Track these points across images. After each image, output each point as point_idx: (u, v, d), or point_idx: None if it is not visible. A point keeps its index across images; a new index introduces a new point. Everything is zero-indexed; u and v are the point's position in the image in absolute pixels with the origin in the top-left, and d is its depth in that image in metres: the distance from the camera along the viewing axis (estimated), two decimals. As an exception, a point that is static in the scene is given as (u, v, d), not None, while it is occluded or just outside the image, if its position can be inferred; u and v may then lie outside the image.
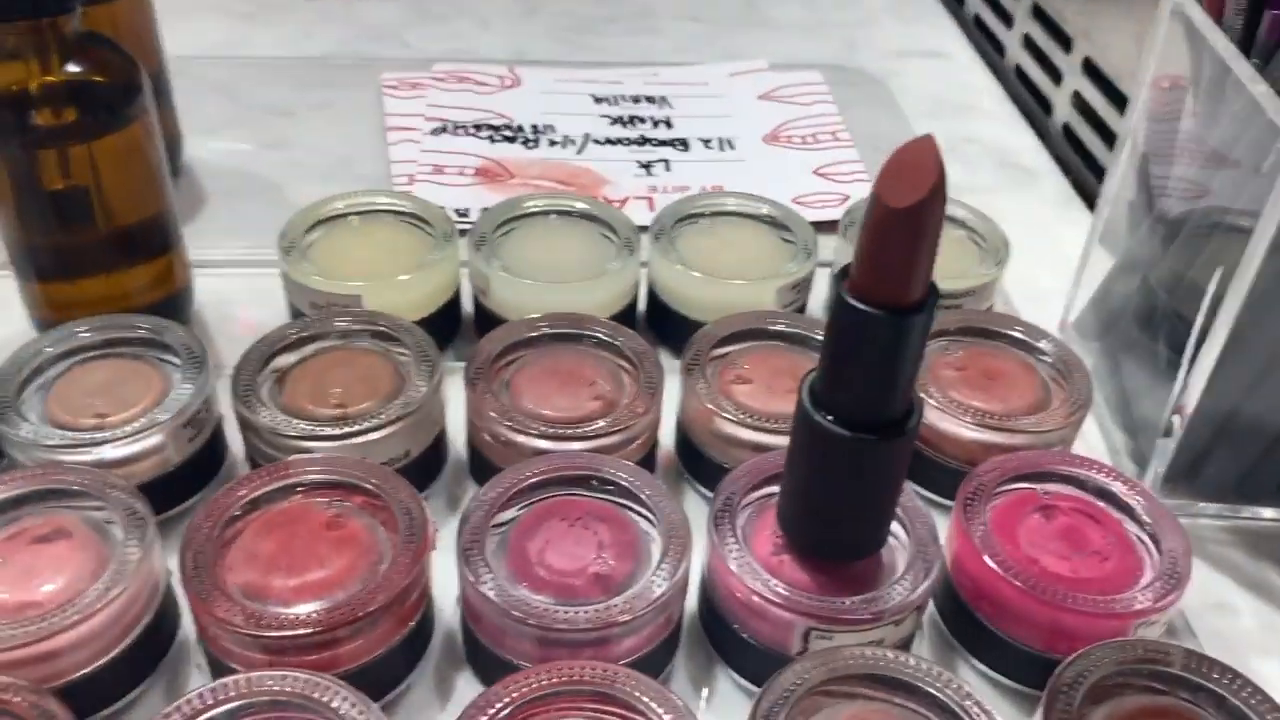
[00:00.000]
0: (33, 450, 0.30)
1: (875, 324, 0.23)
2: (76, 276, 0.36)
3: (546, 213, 0.40)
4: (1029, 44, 0.58)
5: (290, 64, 0.55)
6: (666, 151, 0.50)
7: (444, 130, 0.50)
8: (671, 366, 0.34)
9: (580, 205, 0.40)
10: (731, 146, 0.51)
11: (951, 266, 0.39)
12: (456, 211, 0.45)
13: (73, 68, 0.33)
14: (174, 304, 0.38)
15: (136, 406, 0.31)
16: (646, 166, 0.49)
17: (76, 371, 0.32)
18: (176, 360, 0.33)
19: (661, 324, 0.39)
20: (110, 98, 0.34)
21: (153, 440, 0.31)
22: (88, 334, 0.33)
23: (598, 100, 0.53)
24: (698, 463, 0.34)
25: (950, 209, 0.41)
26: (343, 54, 0.57)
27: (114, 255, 0.36)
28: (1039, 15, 0.57)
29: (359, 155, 0.49)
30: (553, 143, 0.50)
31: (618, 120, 0.52)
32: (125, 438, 0.30)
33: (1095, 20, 0.52)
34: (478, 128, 0.50)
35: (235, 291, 0.40)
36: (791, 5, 0.65)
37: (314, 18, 0.60)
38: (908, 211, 0.22)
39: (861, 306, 0.23)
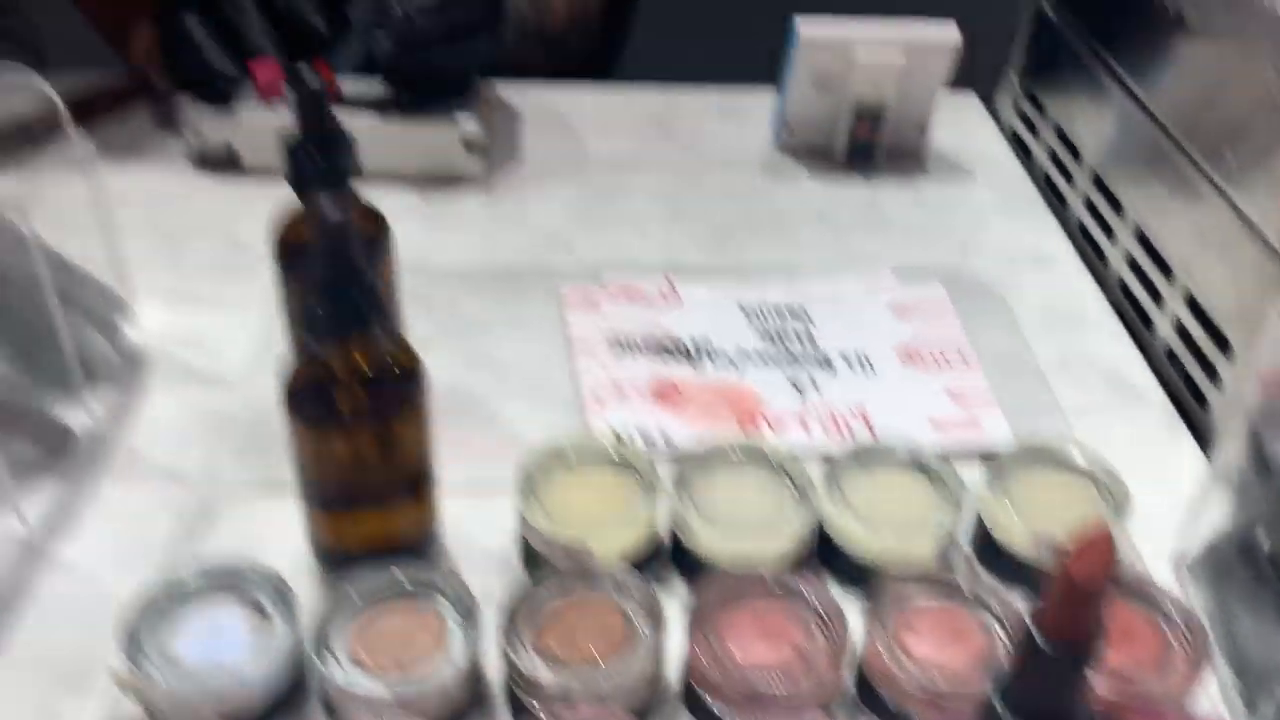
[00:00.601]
0: (344, 691, 0.37)
1: (1060, 663, 0.30)
2: (355, 509, 0.44)
3: (731, 455, 0.47)
4: (1132, 264, 0.65)
5: (478, 274, 0.64)
6: (814, 370, 0.57)
7: (621, 349, 0.58)
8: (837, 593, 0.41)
9: (759, 448, 0.47)
10: (870, 364, 0.58)
11: (1074, 515, 0.45)
12: (642, 435, 0.52)
13: (373, 366, 0.41)
14: (430, 534, 0.45)
15: (425, 650, 0.39)
16: (798, 386, 0.56)
17: (371, 615, 0.40)
18: (448, 603, 0.40)
19: (830, 558, 0.46)
20: (402, 388, 0.41)
21: (439, 681, 0.38)
22: (377, 581, 0.41)
23: (747, 314, 0.61)
24: (872, 699, 0.40)
25: (1073, 456, 0.48)
26: (521, 262, 0.65)
27: (388, 492, 0.43)
28: (1141, 239, 0.64)
29: (551, 373, 0.56)
30: (715, 361, 0.57)
31: (767, 336, 0.59)
32: (419, 681, 0.38)
33: (1196, 257, 0.58)
34: (649, 346, 0.58)
35: (466, 517, 0.48)
36: (907, 204, 0.72)
37: (490, 223, 0.69)
38: (1090, 589, 0.29)
39: (1051, 650, 0.30)
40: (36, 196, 0.46)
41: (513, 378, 0.56)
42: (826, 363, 0.58)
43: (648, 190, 0.73)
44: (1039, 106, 0.78)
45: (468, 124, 0.70)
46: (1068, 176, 0.73)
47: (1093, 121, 0.70)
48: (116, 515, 0.48)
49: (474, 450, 0.51)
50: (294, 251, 0.49)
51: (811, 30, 0.71)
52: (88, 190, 0.51)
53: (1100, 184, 0.69)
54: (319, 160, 0.46)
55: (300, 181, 0.46)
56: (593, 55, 0.95)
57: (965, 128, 0.81)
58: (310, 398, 0.41)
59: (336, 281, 0.38)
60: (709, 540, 0.44)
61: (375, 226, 0.50)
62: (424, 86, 0.70)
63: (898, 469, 0.48)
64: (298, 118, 0.45)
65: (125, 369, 0.55)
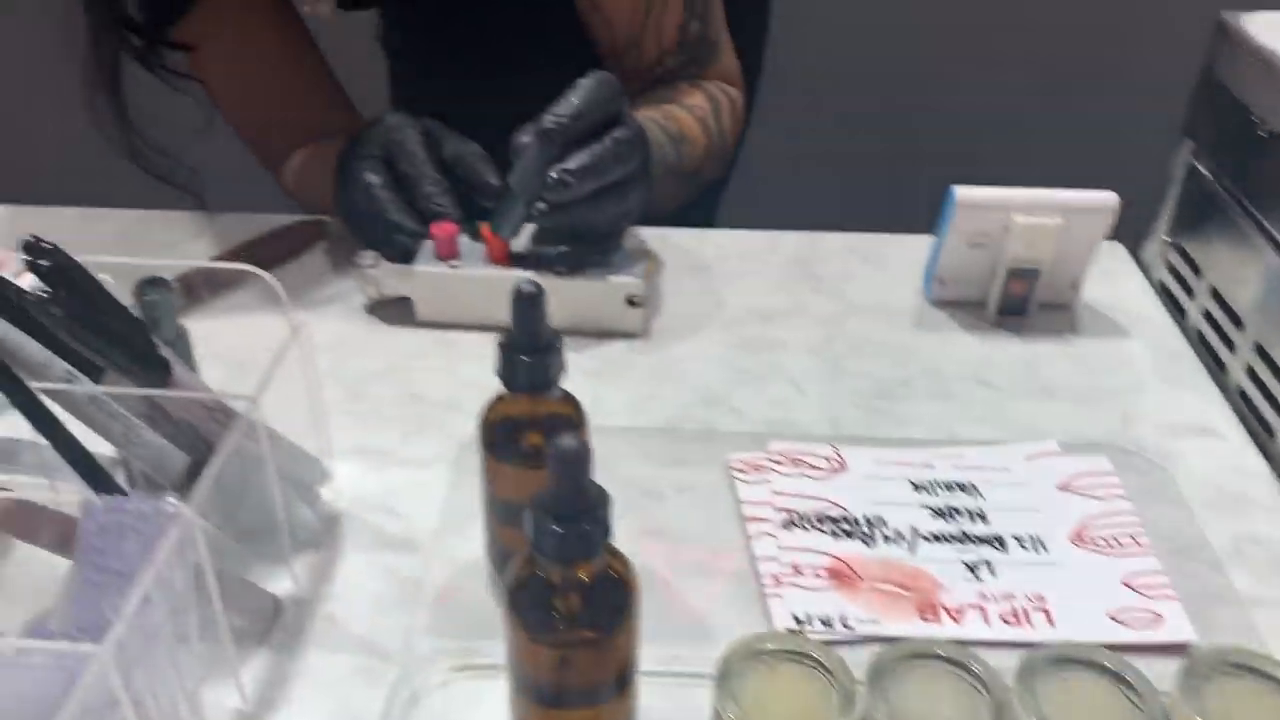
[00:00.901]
0: None
1: None
2: (564, 706, 0.45)
3: (924, 657, 0.48)
4: (1303, 441, 0.64)
5: (642, 432, 0.65)
6: (987, 551, 0.58)
7: (793, 523, 0.59)
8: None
9: (950, 653, 0.48)
10: (1044, 547, 0.58)
11: (1284, 739, 0.45)
12: (822, 621, 0.53)
13: (593, 577, 0.43)
14: (629, 729, 0.47)
15: None
16: (973, 569, 0.57)
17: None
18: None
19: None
20: (618, 597, 0.43)
21: None
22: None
23: (916, 488, 0.62)
24: None
25: (1274, 670, 0.47)
26: (684, 420, 0.67)
27: (598, 692, 0.45)
28: (1313, 417, 0.63)
29: (726, 548, 0.58)
30: (887, 539, 0.58)
31: (938, 513, 0.60)
32: None
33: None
34: (820, 520, 0.59)
35: (655, 701, 0.49)
36: (1065, 367, 0.73)
37: (649, 377, 0.71)
38: None
39: None
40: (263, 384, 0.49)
41: (687, 554, 0.58)
42: (999, 543, 0.58)
43: (801, 342, 0.74)
44: (1190, 262, 0.78)
45: (631, 280, 0.72)
46: (1227, 342, 0.73)
47: (1251, 285, 0.71)
48: (322, 685, 0.50)
49: (657, 631, 0.52)
50: (500, 436, 0.51)
51: (969, 194, 0.72)
52: (300, 366, 0.54)
53: (1264, 354, 0.69)
54: (533, 366, 0.48)
55: (513, 383, 0.49)
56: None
57: (1114, 280, 0.82)
58: (529, 603, 0.43)
59: (571, 512, 0.40)
60: (907, 749, 0.45)
61: (576, 414, 0.52)
62: (578, 244, 0.73)
63: (1087, 672, 0.48)
64: (514, 321, 0.48)
65: (324, 533, 0.58)
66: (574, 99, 0.68)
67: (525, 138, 0.68)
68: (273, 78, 0.90)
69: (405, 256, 0.73)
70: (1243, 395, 0.71)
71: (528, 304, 0.48)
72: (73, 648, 0.37)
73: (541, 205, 0.69)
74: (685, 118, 0.85)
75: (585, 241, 0.73)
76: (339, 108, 0.94)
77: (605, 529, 0.41)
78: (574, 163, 0.67)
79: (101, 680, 0.36)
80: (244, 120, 0.92)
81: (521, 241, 0.73)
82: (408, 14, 1.03)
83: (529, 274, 0.72)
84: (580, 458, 0.39)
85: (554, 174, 0.67)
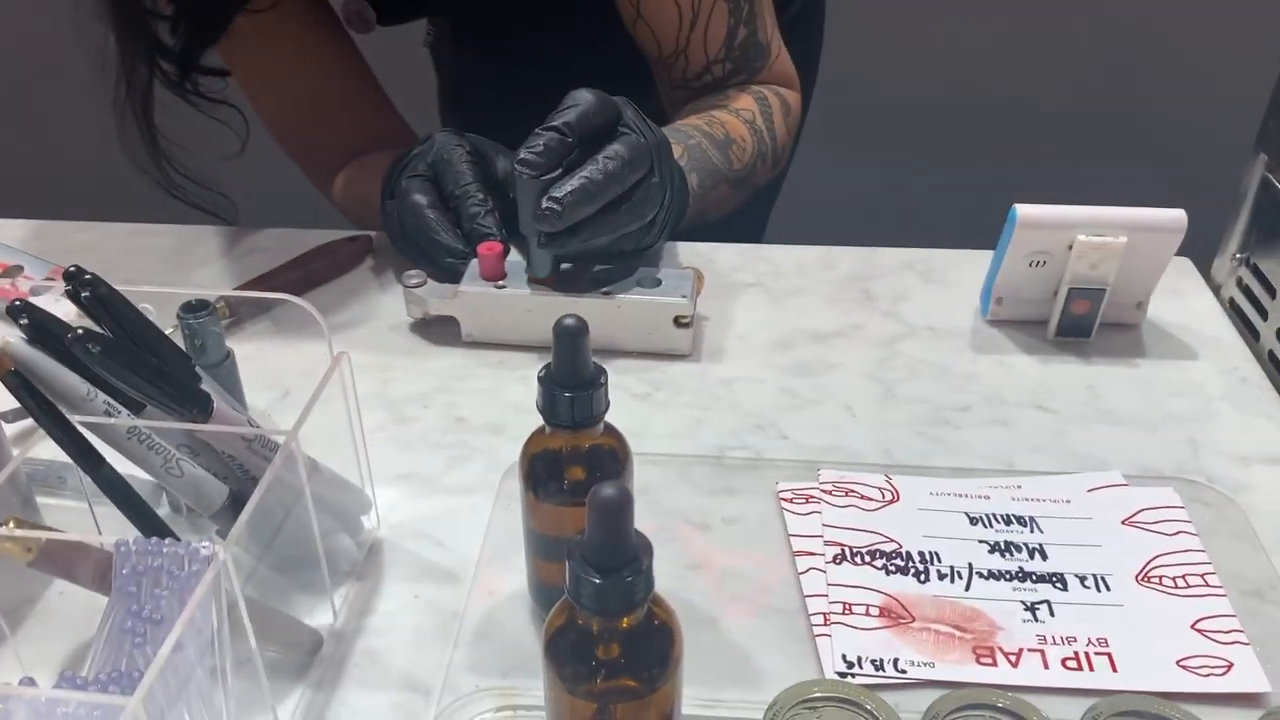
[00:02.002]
0: None
1: None
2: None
3: (981, 707, 0.46)
4: (1385, 475, 0.61)
5: (693, 463, 0.64)
6: (1047, 590, 0.55)
7: (843, 558, 0.57)
8: None
9: (1010, 704, 0.46)
10: (1107, 586, 0.56)
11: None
12: (873, 664, 0.51)
13: (633, 625, 0.41)
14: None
15: None
16: (1032, 610, 0.54)
17: None
18: None
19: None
20: (659, 646, 0.42)
21: None
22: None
23: (972, 521, 0.60)
24: None
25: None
26: (733, 445, 0.65)
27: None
28: (1396, 451, 0.60)
29: (774, 583, 0.56)
30: (941, 575, 0.56)
31: (995, 548, 0.58)
32: None
33: None
34: (872, 555, 0.57)
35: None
36: (1129, 392, 0.70)
37: (701, 400, 0.69)
38: None
39: None
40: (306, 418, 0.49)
41: (734, 586, 0.56)
42: (1059, 581, 0.56)
43: (855, 365, 0.72)
44: (1264, 280, 0.75)
45: (679, 301, 0.71)
46: (1303, 366, 0.70)
47: (1330, 307, 0.67)
48: (361, 724, 0.50)
49: (702, 670, 0.51)
50: (540, 471, 0.50)
51: (1031, 212, 0.70)
52: (343, 399, 0.53)
53: (1343, 380, 0.65)
54: (575, 402, 0.47)
55: (555, 420, 0.48)
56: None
57: (1183, 298, 0.79)
58: (568, 652, 0.41)
59: (612, 564, 0.38)
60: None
61: (619, 447, 0.50)
62: (611, 262, 0.72)
63: (1153, 726, 0.46)
64: (556, 356, 0.47)
65: (364, 563, 0.57)
66: (555, 121, 0.67)
67: (520, 170, 0.67)
68: (317, 94, 0.89)
69: (452, 276, 0.73)
70: (1319, 423, 0.68)
71: (570, 339, 0.46)
72: (105, 699, 0.36)
73: (540, 238, 0.68)
74: (731, 120, 0.83)
75: (616, 259, 0.71)
76: (386, 121, 0.94)
77: (648, 581, 0.40)
78: (563, 189, 0.65)
79: (133, 731, 0.36)
80: (290, 137, 0.92)
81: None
82: (457, 25, 1.02)
83: (572, 298, 0.71)
84: (622, 506, 0.38)
85: (543, 204, 0.65)
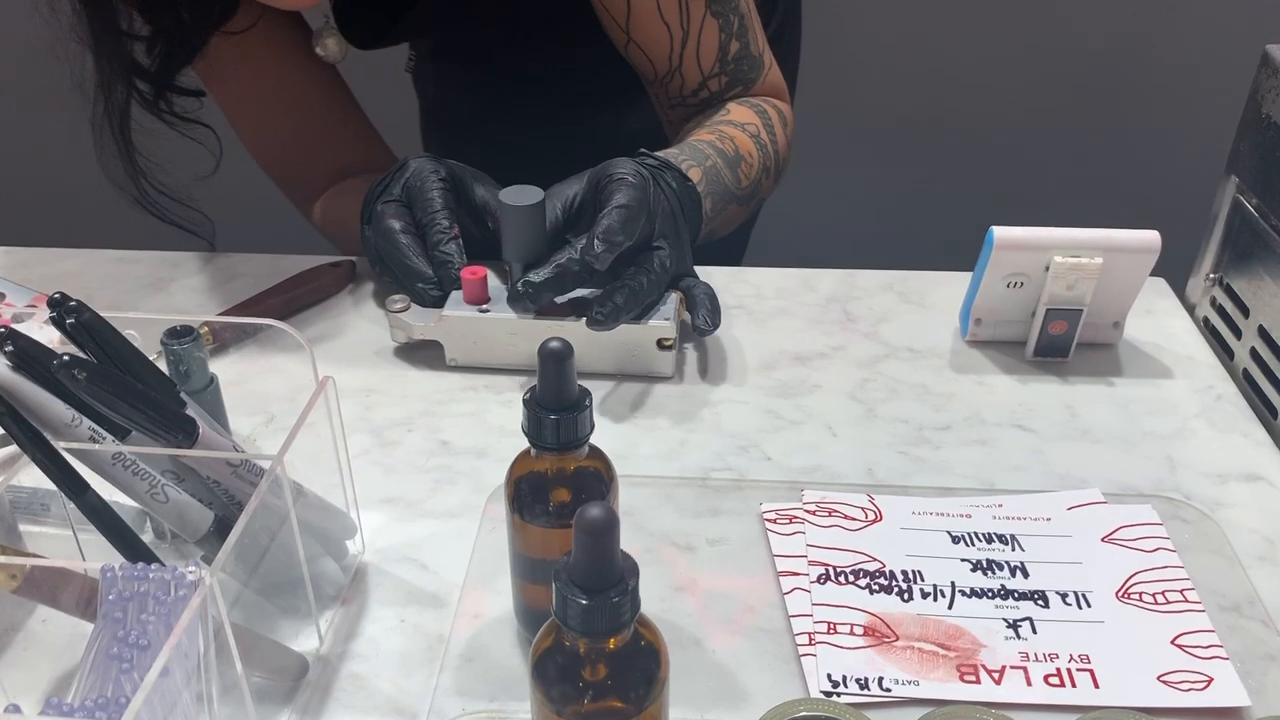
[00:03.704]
0: None
1: None
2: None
3: (962, 725, 0.46)
4: (1358, 491, 0.62)
5: (677, 485, 0.64)
6: (1029, 608, 0.56)
7: (827, 578, 0.57)
8: None
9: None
10: (1088, 603, 0.56)
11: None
12: (858, 683, 0.52)
13: (619, 645, 0.41)
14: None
15: None
16: (1014, 627, 0.55)
17: None
18: None
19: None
20: (644, 667, 0.42)
21: None
22: None
23: (954, 540, 0.60)
24: None
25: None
26: (717, 467, 0.66)
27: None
28: (1369, 467, 0.61)
29: (759, 603, 0.56)
30: (924, 594, 0.57)
31: (977, 566, 0.58)
32: None
33: None
34: (855, 574, 0.58)
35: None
36: (1107, 410, 0.71)
37: (684, 422, 0.70)
38: None
39: None
40: (292, 446, 0.49)
41: (718, 605, 0.56)
42: (1041, 598, 0.56)
43: (836, 384, 0.73)
44: (1237, 300, 0.76)
45: (662, 324, 0.71)
46: (1277, 383, 0.70)
47: (1302, 325, 0.68)
48: (347, 749, 0.50)
49: (689, 691, 0.51)
50: (526, 493, 0.50)
51: (1008, 234, 0.71)
52: (328, 423, 0.53)
53: (1316, 397, 0.66)
54: (561, 425, 0.47)
55: (540, 442, 0.48)
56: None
57: (1158, 318, 0.80)
58: (554, 673, 0.42)
59: (598, 585, 0.39)
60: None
61: (605, 469, 0.51)
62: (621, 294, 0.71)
63: (1135, 742, 0.46)
64: (542, 379, 0.47)
65: (350, 588, 0.57)
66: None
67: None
68: (297, 117, 0.90)
69: (424, 301, 0.73)
70: (1294, 440, 0.69)
71: (555, 361, 0.47)
72: (90, 725, 0.36)
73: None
74: (739, 136, 0.83)
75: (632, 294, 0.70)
76: (367, 144, 0.94)
77: (634, 602, 0.40)
78: (606, 303, 0.68)
79: (119, 758, 0.36)
80: (272, 161, 0.92)
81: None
82: (438, 49, 1.03)
83: (556, 321, 0.71)
84: (608, 528, 0.38)
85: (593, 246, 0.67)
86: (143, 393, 0.47)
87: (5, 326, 0.47)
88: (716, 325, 0.71)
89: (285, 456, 0.48)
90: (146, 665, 0.39)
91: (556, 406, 0.47)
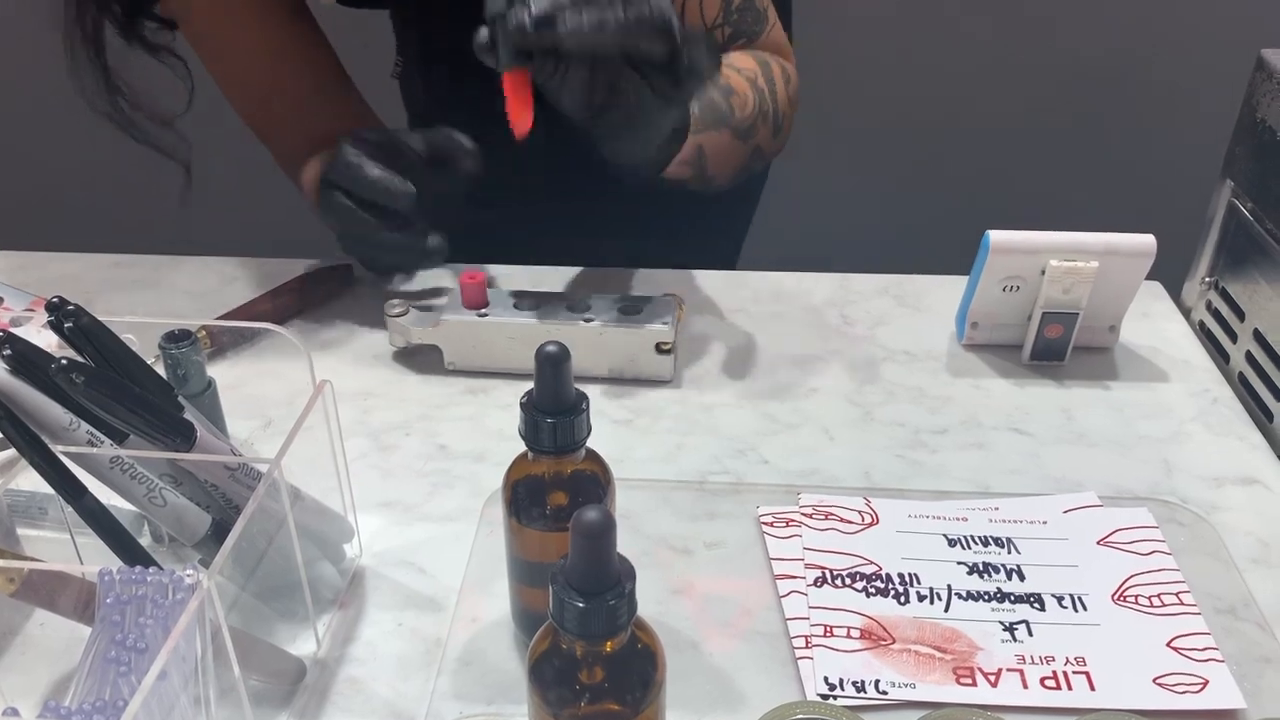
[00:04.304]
0: None
1: None
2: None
3: (958, 728, 0.46)
4: (1353, 494, 0.62)
5: (675, 488, 0.64)
6: (1025, 611, 0.56)
7: (824, 581, 0.58)
8: None
9: (988, 723, 0.46)
10: (1084, 606, 0.56)
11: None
12: (855, 685, 0.52)
13: (616, 649, 0.41)
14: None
15: None
16: (1010, 630, 0.55)
17: None
18: None
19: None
20: (641, 670, 0.42)
21: None
22: None
23: (950, 543, 0.60)
24: None
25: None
26: (716, 472, 0.66)
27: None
28: (1364, 470, 0.61)
29: (756, 606, 0.56)
30: (920, 597, 0.57)
31: (973, 569, 0.58)
32: None
33: None
34: (852, 577, 0.58)
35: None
36: (1103, 414, 0.71)
37: (682, 425, 0.70)
38: None
39: None
40: (289, 448, 0.49)
41: (715, 608, 0.56)
42: (1037, 601, 0.57)
43: (833, 389, 0.73)
44: (1232, 304, 0.76)
45: (660, 328, 0.71)
46: (1272, 387, 0.71)
47: (1297, 329, 0.69)
48: (345, 752, 0.50)
49: (686, 694, 0.51)
50: (523, 496, 0.50)
51: (1004, 238, 0.71)
52: (326, 427, 0.53)
53: (1311, 401, 0.67)
54: (558, 428, 0.47)
55: (538, 446, 0.48)
56: None
57: (1154, 321, 0.80)
58: (551, 676, 0.42)
59: (595, 587, 0.39)
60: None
61: (602, 473, 0.51)
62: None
63: (1130, 745, 0.46)
64: (539, 382, 0.47)
65: (347, 591, 0.57)
66: None
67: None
68: (280, 78, 0.87)
69: (419, 252, 0.73)
70: (1289, 443, 0.69)
71: (552, 364, 0.47)
72: (89, 728, 0.36)
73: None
74: (730, 73, 0.81)
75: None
76: (352, 109, 0.91)
77: (631, 604, 0.40)
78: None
79: (117, 761, 0.36)
80: (258, 125, 0.89)
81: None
82: (427, 55, 1.02)
83: (554, 325, 0.71)
84: (604, 530, 0.38)
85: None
86: (140, 396, 0.47)
87: (3, 330, 0.47)
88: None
89: (283, 460, 0.48)
90: (144, 668, 0.39)
91: (554, 410, 0.48)
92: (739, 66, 0.84)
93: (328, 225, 0.76)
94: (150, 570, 0.41)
